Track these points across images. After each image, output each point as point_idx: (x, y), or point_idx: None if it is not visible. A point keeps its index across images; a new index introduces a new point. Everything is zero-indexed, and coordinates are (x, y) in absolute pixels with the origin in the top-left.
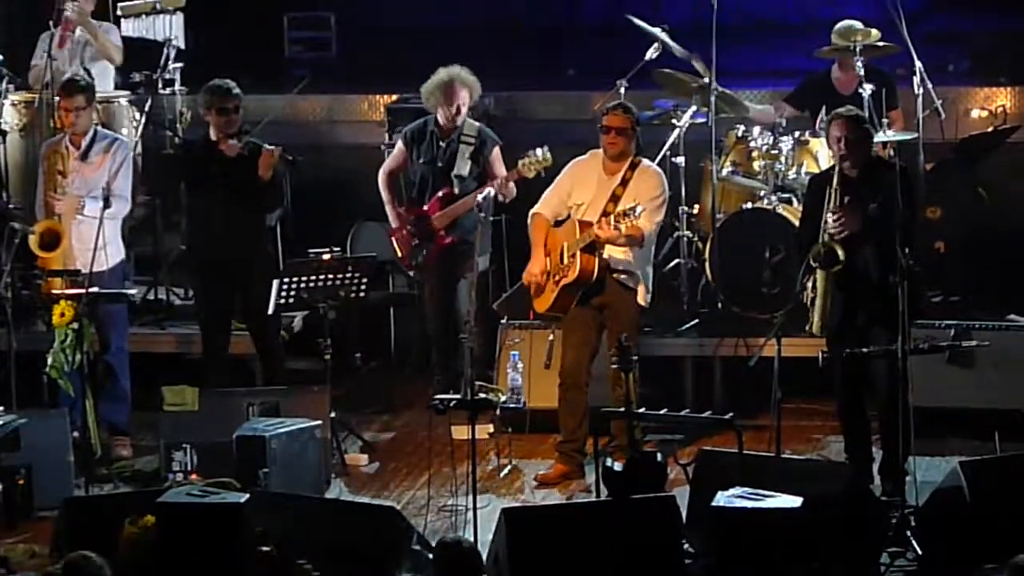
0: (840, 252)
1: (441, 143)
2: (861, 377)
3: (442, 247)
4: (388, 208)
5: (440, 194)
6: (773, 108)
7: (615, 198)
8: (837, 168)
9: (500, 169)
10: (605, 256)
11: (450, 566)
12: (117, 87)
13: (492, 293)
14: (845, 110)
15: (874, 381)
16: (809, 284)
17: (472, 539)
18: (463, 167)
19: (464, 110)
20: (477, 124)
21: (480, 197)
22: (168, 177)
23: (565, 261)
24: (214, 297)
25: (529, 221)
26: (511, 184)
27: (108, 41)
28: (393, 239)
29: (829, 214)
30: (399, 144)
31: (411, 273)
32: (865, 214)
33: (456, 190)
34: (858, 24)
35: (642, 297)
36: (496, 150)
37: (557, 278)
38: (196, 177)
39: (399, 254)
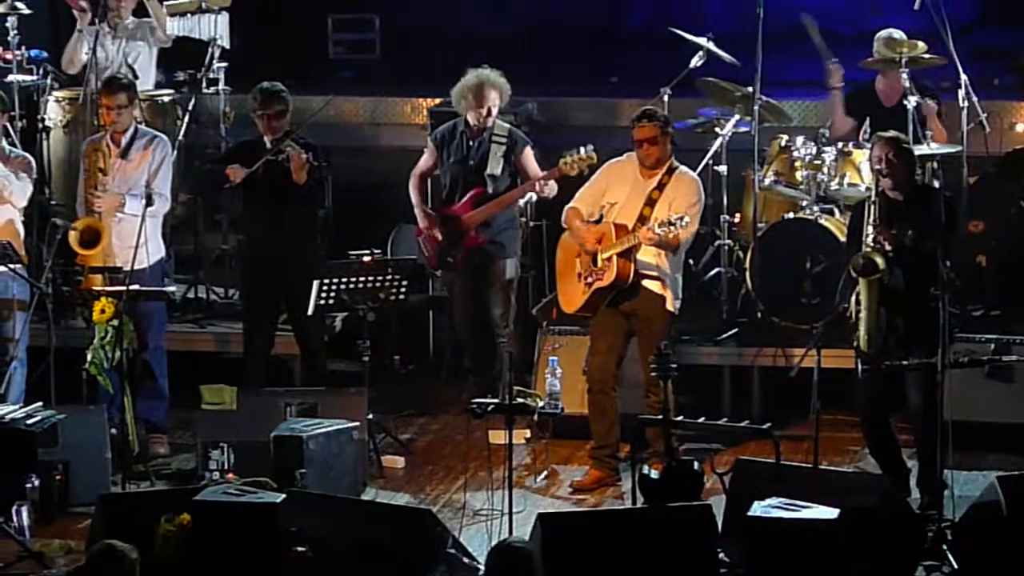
0: (880, 261)
1: (471, 142)
2: (889, 392)
3: (471, 247)
4: (417, 209)
5: (472, 193)
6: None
7: (651, 202)
8: (878, 187)
9: (533, 168)
10: (639, 260)
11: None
12: (159, 84)
13: (532, 298)
14: (887, 133)
15: (909, 394)
16: (853, 300)
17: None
18: (496, 166)
19: (495, 112)
20: (507, 125)
21: (522, 202)
22: (215, 180)
23: (599, 264)
24: (259, 297)
25: (564, 217)
26: (552, 182)
27: (162, 13)
28: (419, 240)
29: (869, 227)
30: (429, 145)
31: (438, 274)
32: (901, 241)
33: (489, 189)
34: (898, 33)
35: (671, 303)
36: (527, 150)
37: (589, 280)
38: (244, 179)
39: (426, 254)
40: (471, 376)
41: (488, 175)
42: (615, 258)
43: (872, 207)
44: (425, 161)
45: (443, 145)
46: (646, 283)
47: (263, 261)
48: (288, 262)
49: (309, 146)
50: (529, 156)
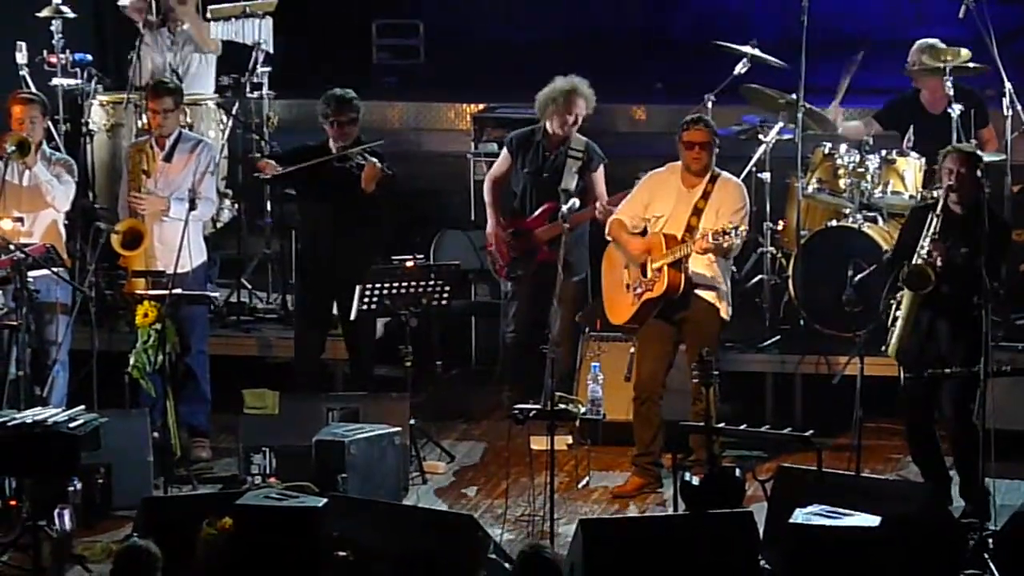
0: (932, 275)
1: (548, 154)
2: (932, 399)
3: (542, 262)
4: (490, 216)
5: (544, 208)
6: (863, 124)
7: (697, 212)
8: (944, 200)
9: (600, 188)
10: (690, 270)
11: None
12: (217, 88)
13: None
14: (964, 145)
15: (943, 403)
16: (894, 305)
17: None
18: (570, 181)
19: (579, 122)
20: (584, 139)
21: (565, 208)
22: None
23: (649, 275)
24: (315, 300)
25: (608, 229)
26: (613, 208)
27: (202, 27)
28: (490, 248)
29: (927, 239)
30: (504, 151)
31: (508, 284)
32: (953, 256)
33: (562, 204)
34: (937, 42)
35: (724, 311)
36: (601, 168)
37: (639, 291)
38: (308, 182)
39: (497, 264)
40: (507, 385)
41: (562, 189)
42: (666, 268)
43: (936, 220)
44: (500, 166)
45: (518, 151)
46: (699, 292)
47: (323, 266)
48: (347, 268)
49: (378, 156)
50: (600, 175)
